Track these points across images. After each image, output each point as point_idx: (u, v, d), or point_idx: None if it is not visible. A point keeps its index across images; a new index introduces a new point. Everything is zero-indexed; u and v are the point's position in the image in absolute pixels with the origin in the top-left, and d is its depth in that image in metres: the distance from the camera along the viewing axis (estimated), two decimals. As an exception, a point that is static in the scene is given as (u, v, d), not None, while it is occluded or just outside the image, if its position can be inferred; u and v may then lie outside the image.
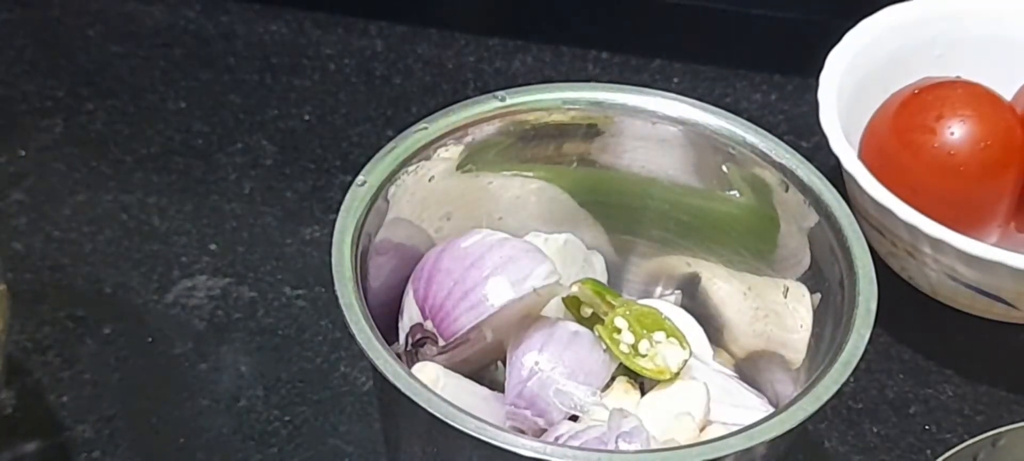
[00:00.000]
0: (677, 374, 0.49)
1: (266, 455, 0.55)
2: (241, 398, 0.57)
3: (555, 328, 0.49)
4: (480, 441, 0.43)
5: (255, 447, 0.56)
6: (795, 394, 0.46)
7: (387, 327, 0.50)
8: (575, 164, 0.54)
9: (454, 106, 0.52)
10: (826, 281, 0.50)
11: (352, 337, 0.45)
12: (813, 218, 0.50)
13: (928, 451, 0.57)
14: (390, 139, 0.51)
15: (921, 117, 0.60)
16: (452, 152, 0.52)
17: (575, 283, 0.50)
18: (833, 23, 0.65)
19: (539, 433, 0.48)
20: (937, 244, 0.57)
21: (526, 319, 0.49)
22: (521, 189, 0.54)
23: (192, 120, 0.68)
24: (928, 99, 0.61)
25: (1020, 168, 0.60)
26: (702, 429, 0.49)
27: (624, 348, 0.49)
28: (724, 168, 0.52)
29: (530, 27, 0.73)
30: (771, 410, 0.50)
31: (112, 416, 0.56)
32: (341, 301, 0.46)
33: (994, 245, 0.57)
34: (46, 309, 0.59)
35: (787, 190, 0.51)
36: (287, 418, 0.57)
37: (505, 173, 0.53)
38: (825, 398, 0.45)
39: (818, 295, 0.50)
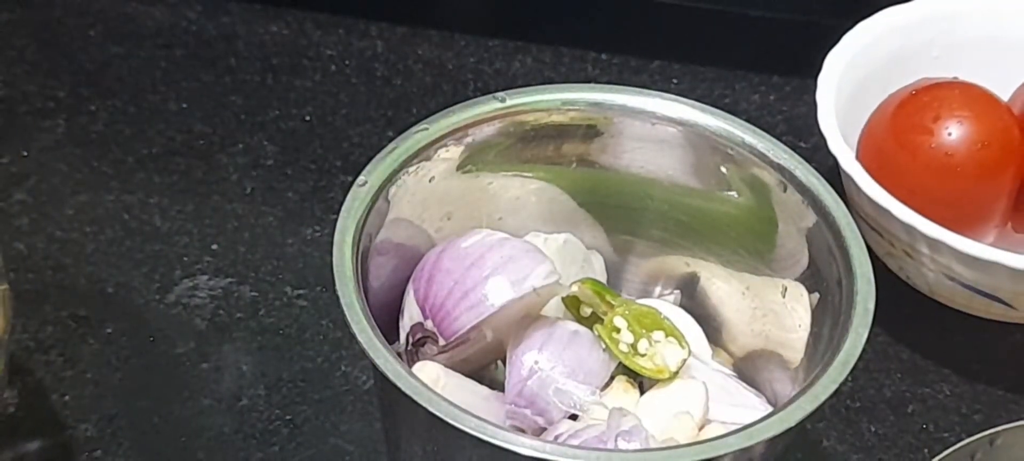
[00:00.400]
0: (676, 373, 0.49)
1: (267, 454, 0.56)
2: (242, 397, 0.57)
3: (555, 328, 0.49)
4: (480, 440, 0.43)
5: (256, 446, 0.56)
6: (793, 393, 0.46)
7: (388, 327, 0.50)
8: (575, 165, 0.54)
9: (454, 107, 0.52)
10: (824, 281, 0.50)
11: (353, 337, 0.45)
12: (811, 218, 0.50)
13: (926, 450, 0.57)
14: (391, 140, 0.51)
15: (919, 118, 0.61)
16: (452, 153, 0.52)
17: (575, 283, 0.50)
18: (831, 24, 0.65)
19: (539, 432, 0.49)
20: (935, 244, 0.57)
21: (526, 319, 0.50)
22: (521, 189, 0.54)
23: (193, 120, 0.68)
24: (926, 100, 0.61)
25: (1017, 168, 0.61)
26: (701, 428, 0.49)
27: (623, 347, 0.49)
28: (723, 169, 0.52)
29: (530, 28, 0.73)
30: (770, 409, 0.50)
31: (114, 415, 0.56)
32: (342, 301, 0.46)
33: (991, 245, 0.58)
34: (48, 309, 0.60)
35: (785, 190, 0.51)
36: (288, 417, 0.57)
37: (505, 173, 0.53)
38: (823, 397, 0.45)
39: (816, 295, 0.50)
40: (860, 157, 0.61)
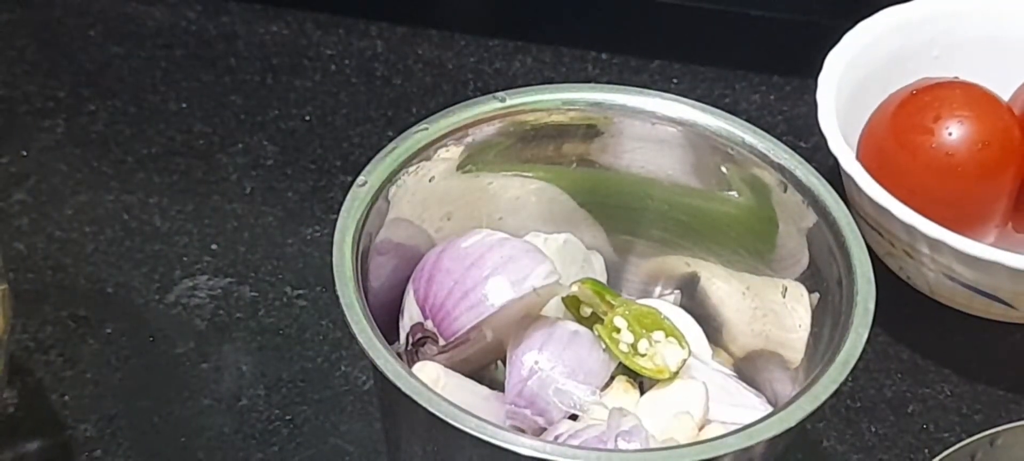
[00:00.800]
0: (676, 373, 0.49)
1: (267, 454, 0.56)
2: (242, 397, 0.57)
3: (555, 328, 0.49)
4: (480, 440, 0.43)
5: (256, 446, 0.56)
6: (794, 393, 0.46)
7: (388, 327, 0.50)
8: (575, 165, 0.54)
9: (454, 107, 0.52)
10: (824, 281, 0.50)
11: (353, 337, 0.45)
12: (811, 218, 0.50)
13: (926, 450, 0.57)
14: (391, 140, 0.51)
15: (919, 118, 0.61)
16: (452, 152, 0.52)
17: (575, 283, 0.50)
18: (832, 24, 0.65)
19: (539, 432, 0.49)
20: (935, 244, 0.57)
21: (526, 319, 0.50)
22: (521, 189, 0.54)
23: (193, 120, 0.68)
24: (926, 100, 0.61)
25: (1018, 168, 0.61)
26: (701, 428, 0.49)
27: (623, 347, 0.49)
28: (723, 168, 0.52)
29: (530, 28, 0.73)
30: (770, 409, 0.50)
31: (114, 415, 0.56)
32: (342, 301, 0.46)
33: (992, 245, 0.58)
34: (48, 309, 0.60)
35: (786, 190, 0.51)
36: (288, 417, 0.57)
37: (505, 173, 0.53)
38: (823, 397, 0.45)
39: (816, 295, 0.50)
40: (860, 157, 0.61)
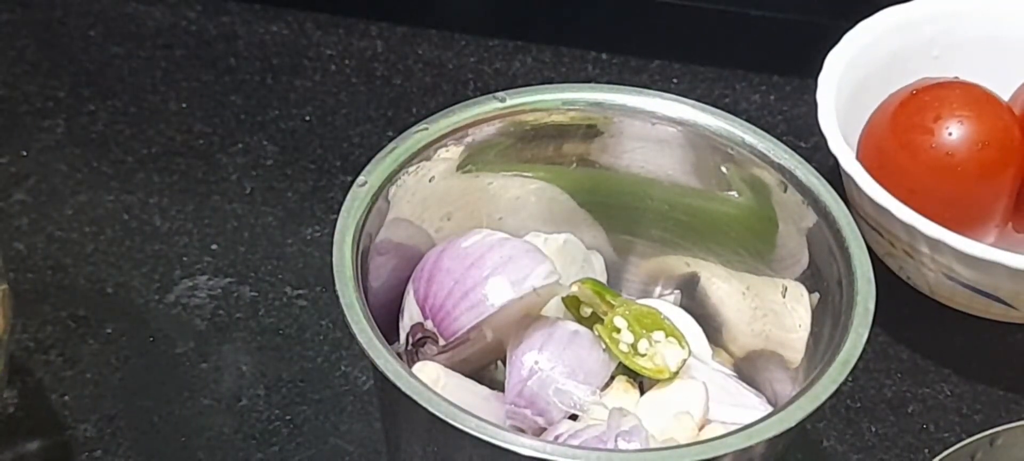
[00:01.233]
0: (676, 373, 0.49)
1: (267, 454, 0.56)
2: (242, 397, 0.57)
3: (555, 328, 0.49)
4: (480, 440, 0.43)
5: (256, 446, 0.56)
6: (794, 393, 0.46)
7: (387, 327, 0.50)
8: (575, 164, 0.54)
9: (454, 107, 0.52)
10: (824, 281, 0.50)
11: (353, 337, 0.45)
12: (811, 218, 0.50)
13: (926, 450, 0.57)
14: (391, 140, 0.51)
15: (919, 118, 0.61)
16: (452, 152, 0.52)
17: (575, 283, 0.50)
18: (832, 24, 0.65)
19: (539, 432, 0.49)
20: (935, 244, 0.57)
21: (526, 319, 0.50)
22: (521, 189, 0.54)
23: (193, 120, 0.68)
24: (926, 100, 0.61)
25: (1018, 168, 0.61)
26: (701, 428, 0.49)
27: (623, 347, 0.49)
28: (723, 169, 0.52)
29: (530, 28, 0.73)
30: (770, 409, 0.50)
31: (114, 415, 0.56)
32: (342, 301, 0.46)
33: (992, 245, 0.58)
34: (48, 309, 0.60)
35: (786, 190, 0.51)
36: (288, 417, 0.57)
37: (505, 173, 0.53)
38: (823, 397, 0.45)
39: (816, 295, 0.50)
40: (860, 157, 0.61)
